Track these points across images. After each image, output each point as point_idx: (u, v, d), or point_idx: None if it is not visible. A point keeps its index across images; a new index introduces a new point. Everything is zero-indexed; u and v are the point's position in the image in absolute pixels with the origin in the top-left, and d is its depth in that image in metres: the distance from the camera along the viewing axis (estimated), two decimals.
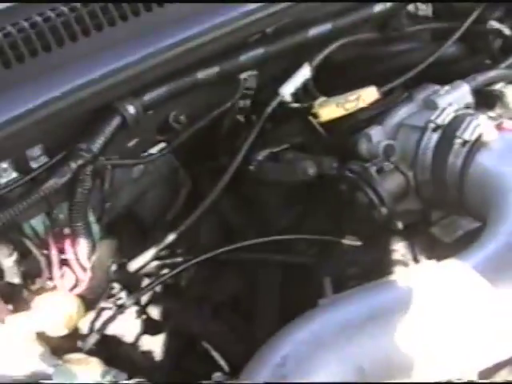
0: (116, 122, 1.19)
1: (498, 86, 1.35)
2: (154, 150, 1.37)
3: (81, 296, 1.17)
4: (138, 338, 1.25)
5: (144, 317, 1.26)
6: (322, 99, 1.26)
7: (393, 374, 0.98)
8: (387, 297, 1.01)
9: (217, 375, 1.12)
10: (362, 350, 0.97)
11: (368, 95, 1.25)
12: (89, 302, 1.20)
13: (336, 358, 0.98)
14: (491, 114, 1.24)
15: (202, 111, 1.33)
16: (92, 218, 1.27)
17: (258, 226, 1.32)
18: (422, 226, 1.26)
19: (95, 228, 1.27)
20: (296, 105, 1.26)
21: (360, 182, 1.17)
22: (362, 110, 1.27)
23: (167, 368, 1.25)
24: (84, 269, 1.19)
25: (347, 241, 1.24)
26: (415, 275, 1.03)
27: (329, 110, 1.24)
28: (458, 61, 1.47)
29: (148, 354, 1.26)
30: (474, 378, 1.08)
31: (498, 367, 1.09)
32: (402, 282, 1.03)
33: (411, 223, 1.25)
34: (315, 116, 1.24)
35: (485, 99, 1.32)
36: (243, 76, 1.32)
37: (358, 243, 1.23)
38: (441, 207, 1.24)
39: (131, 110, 1.21)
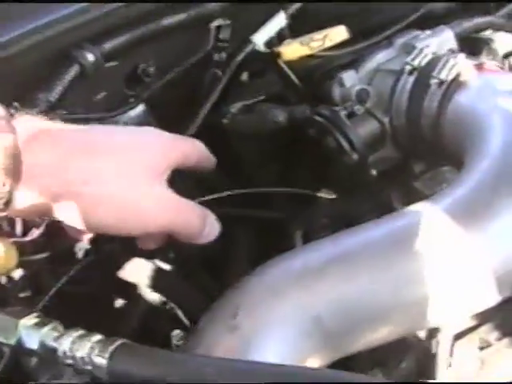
0: (74, 70, 1.10)
1: (486, 33, 1.23)
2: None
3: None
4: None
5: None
6: (288, 41, 1.14)
7: (356, 325, 0.87)
8: (350, 241, 0.90)
9: (176, 333, 1.03)
10: (320, 298, 0.86)
11: (336, 34, 1.14)
12: None
13: (291, 307, 0.87)
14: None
15: (173, 63, 1.23)
16: None
17: (234, 181, 1.21)
18: (403, 179, 1.14)
19: None
20: (265, 50, 1.14)
21: (329, 126, 1.06)
22: (337, 56, 1.16)
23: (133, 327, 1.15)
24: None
25: (321, 193, 1.12)
26: (380, 221, 0.91)
27: (292, 48, 1.13)
28: (450, 15, 1.34)
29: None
30: (449, 338, 0.96)
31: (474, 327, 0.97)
32: (366, 228, 0.91)
33: (391, 175, 1.13)
34: (278, 56, 1.13)
35: (471, 46, 1.20)
36: (214, 25, 1.21)
37: (333, 196, 1.11)
38: (419, 155, 1.12)
39: (90, 57, 1.11)
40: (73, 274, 1.05)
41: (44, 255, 1.08)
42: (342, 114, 1.06)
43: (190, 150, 0.98)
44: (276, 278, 0.89)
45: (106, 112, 1.20)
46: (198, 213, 0.96)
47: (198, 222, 0.96)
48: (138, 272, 1.13)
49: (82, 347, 0.81)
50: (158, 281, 1.16)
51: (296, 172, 1.20)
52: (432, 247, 0.86)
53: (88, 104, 1.19)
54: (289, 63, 1.18)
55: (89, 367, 0.80)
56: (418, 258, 0.86)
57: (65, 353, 0.81)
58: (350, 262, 0.87)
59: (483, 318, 0.96)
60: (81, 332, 0.83)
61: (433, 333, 0.99)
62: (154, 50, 1.20)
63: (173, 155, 0.96)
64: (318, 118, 1.07)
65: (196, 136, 1.24)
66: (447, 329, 0.99)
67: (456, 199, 0.89)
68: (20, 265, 1.02)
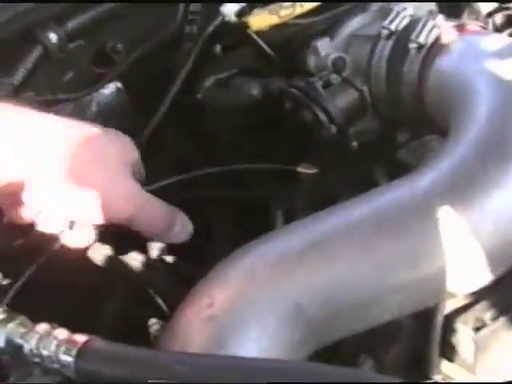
0: (37, 51, 1.04)
1: None
2: None
3: None
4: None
5: None
6: (257, 10, 1.07)
7: (340, 311, 0.81)
8: (330, 222, 0.83)
9: (152, 321, 0.97)
10: (299, 284, 0.79)
11: (306, 1, 1.06)
12: None
13: (270, 294, 0.80)
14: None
15: (143, 39, 1.16)
16: None
17: (210, 159, 1.14)
18: (386, 150, 1.07)
19: None
20: (235, 21, 1.07)
21: (304, 98, 0.98)
22: (311, 24, 1.08)
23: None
24: None
25: (301, 168, 1.05)
26: (362, 199, 0.85)
27: (260, 17, 1.05)
28: None
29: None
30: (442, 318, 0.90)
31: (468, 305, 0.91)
32: (347, 207, 0.84)
33: (373, 147, 1.06)
34: (246, 26, 1.06)
35: (451, 7, 1.13)
36: None
37: (314, 170, 1.04)
38: (402, 125, 1.05)
39: (53, 38, 1.05)
40: (40, 262, 0.98)
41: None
42: (318, 84, 0.99)
43: None
44: (253, 263, 0.82)
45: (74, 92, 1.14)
46: (165, 211, 0.93)
47: (163, 220, 0.92)
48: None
49: (48, 345, 0.75)
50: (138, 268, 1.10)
51: (274, 148, 1.13)
52: (417, 225, 0.79)
53: (56, 86, 1.12)
54: (262, 34, 1.10)
55: (56, 366, 0.74)
56: (402, 238, 0.79)
57: (31, 350, 0.75)
58: (330, 245, 0.80)
59: (477, 296, 0.89)
60: (47, 328, 0.76)
61: (425, 313, 0.92)
62: (122, 27, 1.13)
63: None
64: (292, 91, 0.99)
65: (170, 113, 1.19)
66: (440, 309, 0.92)
67: (440, 173, 0.82)
68: None
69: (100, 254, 1.03)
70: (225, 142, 1.16)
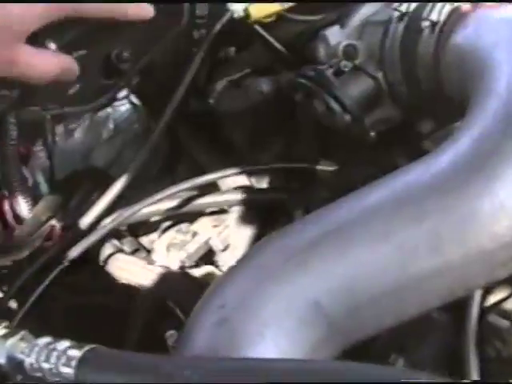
0: None
1: None
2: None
3: None
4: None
5: None
6: None
7: (361, 306, 0.72)
8: (345, 210, 0.74)
9: (170, 333, 0.90)
10: (316, 277, 0.71)
11: None
12: None
13: (285, 292, 0.71)
14: None
15: (149, 45, 1.09)
16: (41, 178, 1.07)
17: (226, 163, 1.07)
18: (409, 140, 0.99)
19: (44, 188, 1.07)
20: (242, 14, 0.99)
21: (314, 87, 0.90)
22: (321, 19, 1.01)
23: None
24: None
25: (321, 166, 0.97)
26: (378, 183, 0.76)
27: (259, 6, 0.98)
28: None
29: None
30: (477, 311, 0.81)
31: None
32: (363, 193, 0.76)
33: (395, 136, 0.98)
34: (247, 17, 0.98)
35: None
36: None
37: (334, 167, 0.96)
38: (423, 111, 0.96)
39: (52, 47, 0.98)
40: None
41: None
42: (328, 72, 0.91)
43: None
44: (266, 259, 0.74)
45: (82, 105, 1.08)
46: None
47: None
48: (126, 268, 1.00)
49: (49, 357, 0.68)
50: (156, 279, 1.04)
51: (292, 147, 1.05)
52: (438, 205, 0.70)
53: (62, 99, 1.06)
54: (271, 31, 1.04)
55: (57, 379, 0.67)
56: (423, 220, 0.70)
57: (32, 364, 0.68)
58: (347, 233, 0.71)
59: None
60: (47, 340, 0.69)
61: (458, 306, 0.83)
62: (126, 33, 1.06)
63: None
64: (301, 81, 0.91)
65: (184, 120, 1.12)
66: (474, 300, 0.83)
67: (460, 150, 0.72)
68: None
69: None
70: (240, 144, 1.08)
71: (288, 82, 0.95)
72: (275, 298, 0.71)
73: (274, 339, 0.70)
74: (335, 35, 0.95)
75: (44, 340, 0.70)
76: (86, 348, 0.67)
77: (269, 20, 0.98)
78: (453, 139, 0.74)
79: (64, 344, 0.69)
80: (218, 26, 1.02)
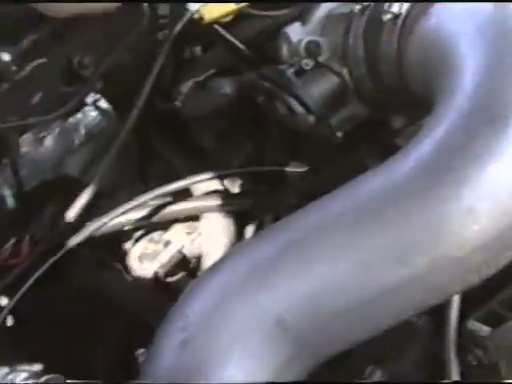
0: None
1: None
2: None
3: None
4: None
5: None
6: None
7: (327, 320, 0.68)
8: (306, 221, 0.70)
9: (141, 351, 0.86)
10: (278, 295, 0.67)
11: None
12: None
13: (248, 310, 0.68)
14: None
15: (111, 49, 1.06)
16: (7, 191, 1.05)
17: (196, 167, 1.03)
18: (379, 138, 0.95)
19: (10, 202, 1.05)
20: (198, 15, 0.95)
21: (275, 89, 0.86)
22: (282, 14, 0.96)
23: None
24: None
25: (290, 168, 0.93)
26: (340, 191, 0.72)
27: (212, 7, 0.94)
28: None
29: None
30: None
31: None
32: (325, 201, 0.72)
33: (364, 135, 0.94)
34: (201, 19, 0.94)
35: None
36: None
37: (303, 169, 0.92)
38: (391, 108, 0.92)
39: (6, 57, 0.95)
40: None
41: None
42: (289, 72, 0.86)
43: None
44: (227, 275, 0.70)
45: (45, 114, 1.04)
46: None
47: None
48: None
49: None
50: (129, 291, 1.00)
51: (262, 149, 1.02)
52: (400, 215, 0.66)
53: (24, 110, 1.02)
54: (233, 30, 0.99)
55: None
56: (385, 232, 0.66)
57: None
58: (307, 247, 0.67)
59: (496, 287, 0.76)
60: (5, 371, 0.66)
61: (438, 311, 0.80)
62: (87, 38, 1.03)
63: None
64: (262, 82, 0.87)
65: (153, 123, 1.09)
66: (452, 306, 0.79)
67: (424, 151, 0.69)
68: None
69: None
70: (210, 149, 1.04)
71: (249, 83, 0.91)
72: (238, 316, 0.68)
73: (240, 360, 0.67)
74: (297, 32, 0.91)
75: (1, 371, 0.67)
76: (43, 380, 0.63)
77: (226, 20, 0.93)
78: (416, 141, 0.70)
79: (23, 374, 0.66)
80: (179, 27, 0.97)
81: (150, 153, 1.13)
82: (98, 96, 1.16)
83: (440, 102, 0.72)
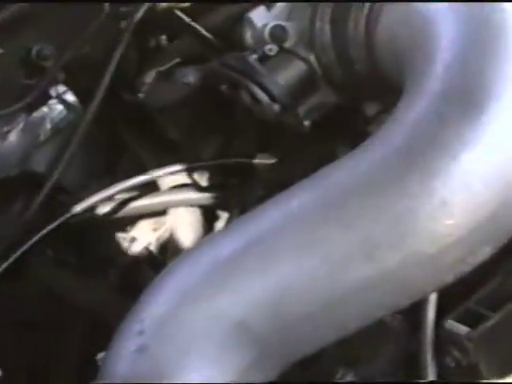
0: None
1: None
2: None
3: None
4: None
5: None
6: None
7: (292, 323, 0.64)
8: (267, 218, 0.66)
9: (101, 355, 0.81)
10: (237, 297, 0.63)
11: None
12: None
13: (206, 314, 0.63)
14: None
15: (73, 38, 1.01)
16: None
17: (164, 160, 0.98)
18: (356, 125, 0.90)
19: None
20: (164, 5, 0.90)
21: (239, 77, 0.81)
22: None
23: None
24: None
25: (259, 160, 0.88)
26: (304, 184, 0.67)
27: None
28: None
29: None
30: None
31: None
32: (288, 195, 0.67)
33: (341, 123, 0.89)
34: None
35: None
36: None
37: (272, 160, 0.87)
38: (363, 94, 0.87)
39: None
40: None
41: None
42: (252, 59, 0.81)
43: None
44: (183, 278, 0.66)
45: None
46: None
47: None
48: None
49: None
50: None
51: (231, 141, 0.97)
52: (366, 208, 0.61)
53: None
54: (200, 19, 0.95)
55: None
56: (353, 226, 0.61)
57: None
58: (269, 244, 0.63)
59: (474, 284, 0.72)
60: None
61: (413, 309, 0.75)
62: (46, 28, 0.97)
63: None
64: (224, 70, 0.82)
65: (118, 116, 1.04)
66: (429, 305, 0.75)
67: (392, 140, 0.64)
68: None
69: None
70: (178, 142, 1.00)
71: (212, 71, 0.86)
72: (194, 321, 0.63)
73: (198, 364, 0.63)
74: (261, 17, 0.86)
75: None
76: None
77: (186, 5, 0.88)
78: (384, 128, 0.65)
79: None
80: (139, 14, 0.92)
81: (119, 146, 1.08)
82: (65, 89, 1.10)
83: (410, 86, 0.68)
